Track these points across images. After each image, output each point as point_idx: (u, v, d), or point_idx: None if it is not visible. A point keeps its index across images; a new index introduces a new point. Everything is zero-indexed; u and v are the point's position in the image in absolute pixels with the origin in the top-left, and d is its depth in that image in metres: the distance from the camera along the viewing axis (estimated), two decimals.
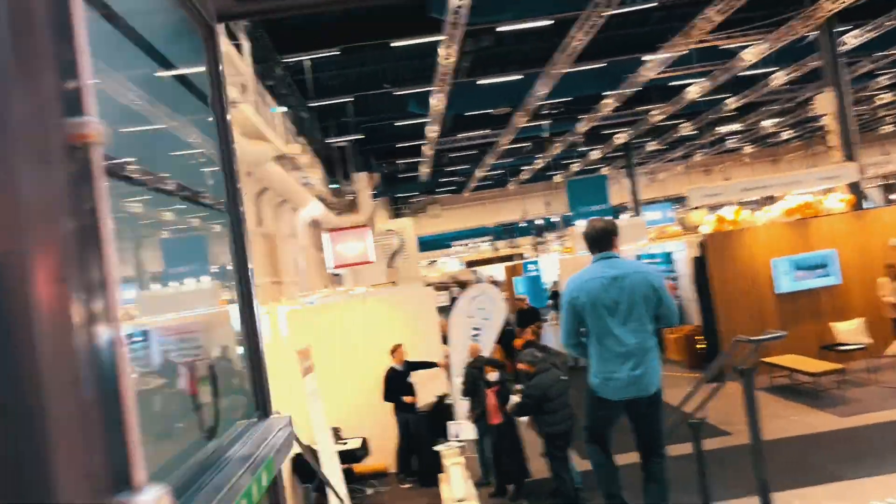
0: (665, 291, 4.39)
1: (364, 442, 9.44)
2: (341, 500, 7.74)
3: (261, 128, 15.29)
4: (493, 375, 8.27)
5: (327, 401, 9.80)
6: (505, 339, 15.40)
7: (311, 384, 7.36)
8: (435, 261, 68.77)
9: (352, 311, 9.99)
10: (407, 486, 9.12)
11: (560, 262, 23.12)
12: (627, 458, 4.88)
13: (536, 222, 43.90)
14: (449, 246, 59.89)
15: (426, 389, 9.62)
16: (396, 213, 40.30)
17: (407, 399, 9.20)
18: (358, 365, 9.62)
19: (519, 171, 39.87)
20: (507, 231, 51.10)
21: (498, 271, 37.09)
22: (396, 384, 9.21)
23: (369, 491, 9.05)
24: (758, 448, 4.86)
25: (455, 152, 32.96)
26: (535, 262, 32.15)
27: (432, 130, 24.88)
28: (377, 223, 38.93)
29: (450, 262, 62.86)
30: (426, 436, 9.10)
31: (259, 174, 15.78)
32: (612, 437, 4.69)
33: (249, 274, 3.17)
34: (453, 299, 19.22)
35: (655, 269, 4.76)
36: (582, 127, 27.93)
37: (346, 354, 9.83)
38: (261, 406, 3.18)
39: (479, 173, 36.60)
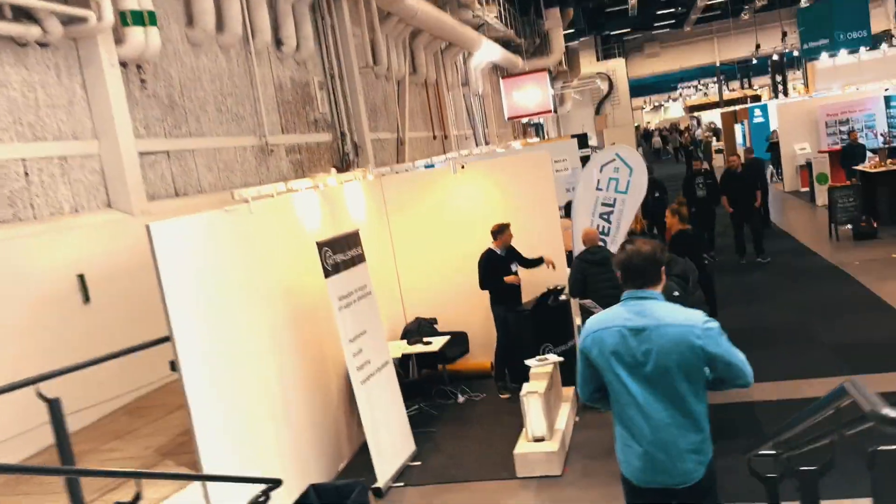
0: (721, 347, 2.93)
1: (459, 338, 7.93)
2: (402, 420, 6.39)
3: None
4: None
5: (423, 288, 8.34)
6: (653, 208, 12.67)
7: (348, 284, 5.83)
8: (661, 104, 63.37)
9: (451, 182, 8.14)
10: (506, 395, 7.53)
11: (779, 109, 18.97)
12: None
13: (774, 59, 37.55)
14: (673, 88, 54.24)
15: (538, 280, 7.73)
16: (606, 55, 36.38)
17: (508, 279, 7.35)
18: (460, 247, 7.92)
19: None
20: (740, 70, 44.68)
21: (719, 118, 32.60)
22: (493, 270, 7.40)
23: (461, 399, 7.60)
24: None
25: None
26: (763, 107, 27.34)
27: None
28: (582, 66, 35.56)
29: (672, 108, 57.26)
30: (529, 338, 7.35)
31: (402, 13, 13.88)
32: None
33: None
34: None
35: (705, 319, 2.97)
36: None
37: (445, 235, 8.17)
38: None
39: (701, 2, 31.39)
